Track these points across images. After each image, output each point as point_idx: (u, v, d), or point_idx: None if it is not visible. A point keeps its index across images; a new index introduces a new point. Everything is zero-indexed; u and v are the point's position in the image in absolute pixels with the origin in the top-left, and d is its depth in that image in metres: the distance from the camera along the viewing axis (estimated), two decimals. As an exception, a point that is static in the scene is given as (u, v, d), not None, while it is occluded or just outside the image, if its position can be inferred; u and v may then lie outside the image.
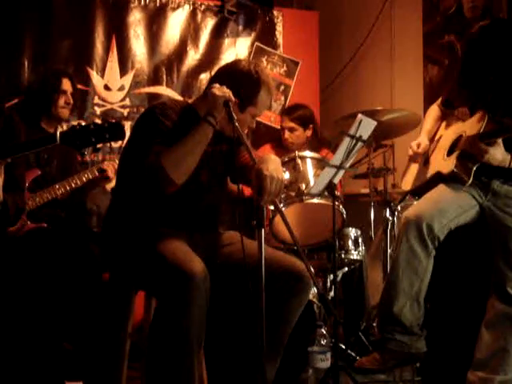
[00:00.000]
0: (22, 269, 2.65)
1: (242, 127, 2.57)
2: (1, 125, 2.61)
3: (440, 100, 3.34)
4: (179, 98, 4.45)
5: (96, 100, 4.39)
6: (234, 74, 2.71)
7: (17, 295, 2.51)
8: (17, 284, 2.59)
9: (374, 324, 3.65)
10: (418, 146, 3.24)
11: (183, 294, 2.32)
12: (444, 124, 3.30)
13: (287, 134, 4.27)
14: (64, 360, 2.80)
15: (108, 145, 4.29)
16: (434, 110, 3.34)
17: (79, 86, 4.10)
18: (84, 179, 3.44)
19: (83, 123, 2.27)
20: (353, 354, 3.48)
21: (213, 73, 4.61)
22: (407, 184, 3.40)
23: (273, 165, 2.49)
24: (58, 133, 2.25)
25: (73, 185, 3.41)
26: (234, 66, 2.78)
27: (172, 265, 2.38)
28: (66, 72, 3.73)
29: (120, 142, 4.29)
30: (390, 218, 3.82)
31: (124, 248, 2.62)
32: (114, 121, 2.28)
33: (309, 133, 4.28)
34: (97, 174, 3.48)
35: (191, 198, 2.68)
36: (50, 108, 3.50)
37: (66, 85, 3.58)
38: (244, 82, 2.68)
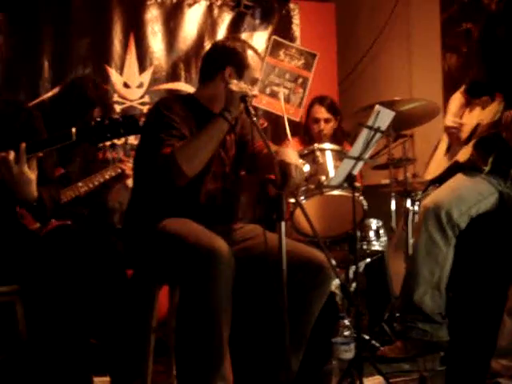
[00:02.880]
0: (46, 266, 2.68)
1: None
2: (22, 120, 2.64)
3: (463, 88, 3.32)
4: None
5: (115, 98, 4.42)
6: (219, 53, 2.82)
7: (42, 293, 2.55)
8: (42, 282, 2.62)
9: (397, 314, 3.65)
10: (455, 122, 3.22)
11: (209, 269, 2.34)
12: (467, 112, 3.28)
13: (323, 125, 4.24)
14: (91, 355, 2.84)
15: (128, 142, 4.32)
16: (458, 97, 3.33)
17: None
18: (106, 177, 3.48)
19: (98, 119, 2.30)
20: (377, 345, 3.48)
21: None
22: (430, 174, 3.40)
23: (293, 155, 2.57)
24: (74, 129, 2.28)
25: (96, 182, 3.45)
26: (215, 47, 2.91)
27: (196, 243, 2.41)
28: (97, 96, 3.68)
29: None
30: (411, 208, 3.81)
31: (145, 241, 2.66)
32: (129, 115, 2.31)
33: (337, 123, 4.29)
34: (119, 171, 3.52)
35: (205, 189, 2.72)
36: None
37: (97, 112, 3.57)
38: (230, 52, 2.78)
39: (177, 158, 2.50)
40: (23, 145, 2.30)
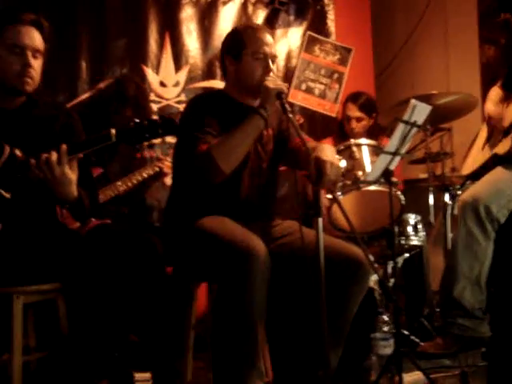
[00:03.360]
0: (87, 265, 2.73)
1: (252, 75, 2.71)
2: (61, 121, 2.69)
3: (500, 82, 3.28)
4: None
5: (152, 97, 4.45)
6: (221, 51, 2.89)
7: (84, 290, 2.59)
8: (83, 280, 2.67)
9: (437, 309, 3.62)
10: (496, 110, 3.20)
11: (245, 267, 2.36)
12: (505, 106, 3.24)
13: (354, 123, 4.20)
14: (132, 351, 2.88)
15: (166, 141, 4.35)
16: (496, 90, 3.29)
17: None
18: (145, 175, 3.51)
19: (137, 120, 2.33)
20: (416, 340, 3.46)
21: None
22: (468, 168, 3.36)
23: (330, 152, 2.57)
24: (114, 130, 2.31)
25: (134, 181, 3.48)
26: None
27: (231, 241, 2.43)
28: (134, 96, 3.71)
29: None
30: (450, 203, 3.78)
31: (183, 239, 2.69)
32: (167, 116, 2.34)
33: (371, 121, 4.25)
34: (157, 169, 3.55)
35: (243, 185, 2.75)
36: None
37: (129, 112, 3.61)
38: (224, 42, 2.87)
39: (213, 155, 2.53)
40: (64, 146, 2.34)
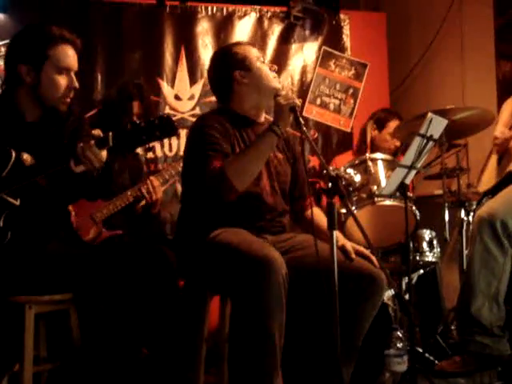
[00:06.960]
0: (100, 276, 2.73)
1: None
2: (71, 124, 2.68)
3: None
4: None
5: (167, 110, 4.47)
6: (220, 71, 2.91)
7: (96, 301, 2.58)
8: (95, 291, 2.66)
9: (452, 327, 3.58)
10: (503, 133, 3.17)
11: (263, 278, 2.32)
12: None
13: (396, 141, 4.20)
14: (142, 365, 2.86)
15: (180, 154, 4.34)
16: (510, 103, 3.27)
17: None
18: (154, 185, 3.50)
19: (137, 121, 2.28)
20: (431, 358, 3.42)
21: (281, 78, 4.72)
22: (484, 184, 3.34)
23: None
24: (110, 134, 2.28)
25: (144, 190, 3.47)
26: (213, 70, 2.97)
27: (249, 252, 2.40)
28: (136, 94, 3.72)
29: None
30: (466, 219, 3.74)
31: (197, 251, 2.67)
32: (165, 116, 2.29)
33: None
34: (167, 177, 3.56)
35: (255, 202, 2.73)
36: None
37: (136, 108, 3.62)
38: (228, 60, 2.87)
39: (227, 173, 2.51)
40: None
